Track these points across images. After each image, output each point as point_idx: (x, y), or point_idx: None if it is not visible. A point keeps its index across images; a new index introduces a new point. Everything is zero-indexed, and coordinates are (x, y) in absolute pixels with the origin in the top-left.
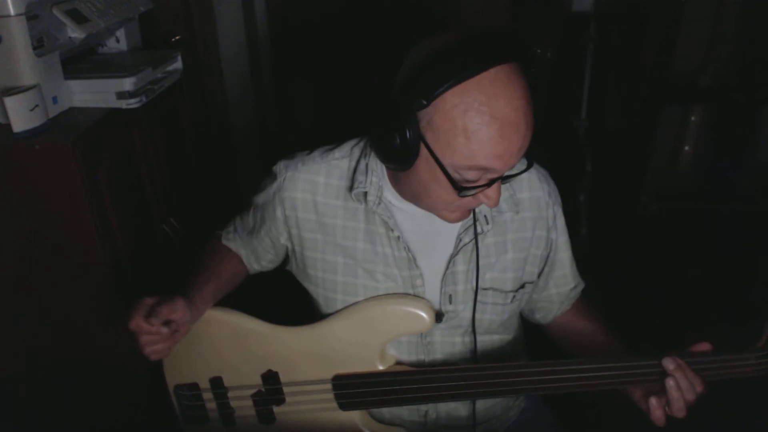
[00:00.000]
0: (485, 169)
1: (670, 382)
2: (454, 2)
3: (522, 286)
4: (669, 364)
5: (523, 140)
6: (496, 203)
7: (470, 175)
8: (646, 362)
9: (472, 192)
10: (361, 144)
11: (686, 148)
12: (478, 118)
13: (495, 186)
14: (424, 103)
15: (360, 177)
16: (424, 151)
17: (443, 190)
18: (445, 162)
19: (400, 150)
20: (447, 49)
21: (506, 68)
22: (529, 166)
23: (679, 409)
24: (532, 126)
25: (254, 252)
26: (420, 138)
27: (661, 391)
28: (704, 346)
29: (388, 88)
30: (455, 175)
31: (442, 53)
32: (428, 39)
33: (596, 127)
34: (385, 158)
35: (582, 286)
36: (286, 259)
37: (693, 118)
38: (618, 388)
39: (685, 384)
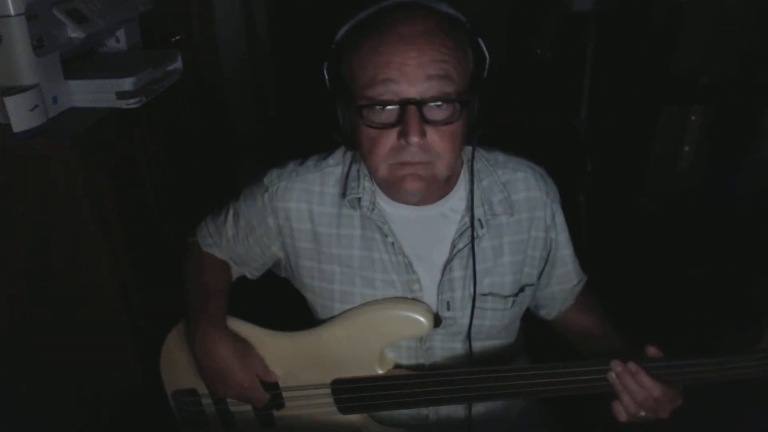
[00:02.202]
0: (385, 82)
1: (617, 384)
2: (454, 1)
3: (521, 290)
4: (615, 366)
5: (423, 54)
6: (415, 136)
7: (376, 93)
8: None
9: (379, 116)
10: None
11: (686, 148)
12: (363, 32)
13: (411, 118)
14: (333, 45)
15: (352, 183)
16: (353, 112)
17: (367, 134)
18: (354, 93)
19: (338, 117)
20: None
21: (400, 4)
22: (462, 110)
23: (627, 404)
24: (443, 50)
25: (240, 259)
26: (340, 87)
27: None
28: (653, 354)
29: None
30: (361, 101)
31: (351, 13)
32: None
33: (596, 127)
34: (340, 136)
35: (585, 281)
36: (276, 268)
37: (693, 118)
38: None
39: (633, 387)
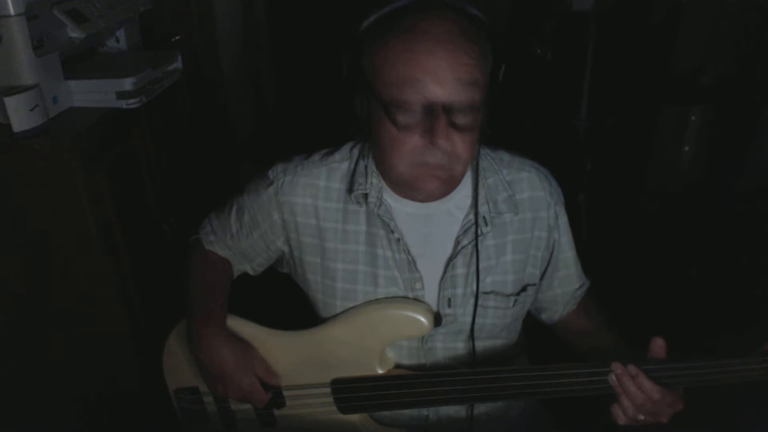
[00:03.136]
0: (414, 83)
1: (616, 387)
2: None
3: (524, 289)
4: (616, 368)
5: (454, 58)
6: (444, 139)
7: (405, 94)
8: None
9: (407, 118)
10: (360, 145)
11: (686, 148)
12: (393, 32)
13: (440, 121)
14: (357, 39)
15: (359, 179)
16: (374, 107)
17: (389, 133)
18: (379, 89)
19: (355, 109)
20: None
21: (437, 4)
22: (488, 125)
23: (626, 407)
24: (472, 54)
25: (244, 254)
26: (364, 84)
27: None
28: (658, 346)
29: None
30: (387, 99)
31: (369, 5)
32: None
33: (596, 127)
34: (356, 127)
35: (587, 285)
36: (277, 264)
37: (693, 118)
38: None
39: (632, 390)
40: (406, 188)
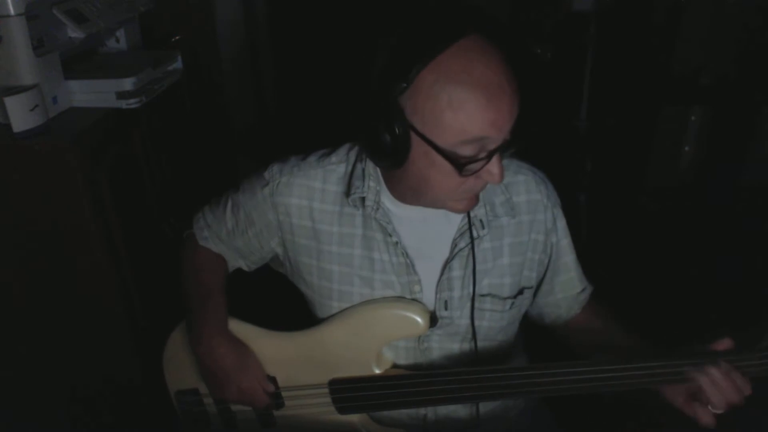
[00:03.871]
0: (481, 140)
1: (706, 383)
2: (454, 1)
3: (521, 292)
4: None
5: (511, 102)
6: (501, 178)
7: (467, 150)
8: (655, 363)
9: (474, 167)
10: (357, 148)
11: (686, 148)
12: (459, 88)
13: (495, 161)
14: (404, 86)
15: (357, 182)
16: (415, 139)
17: (444, 176)
18: (440, 142)
19: (390, 144)
20: (412, 28)
21: (474, 38)
22: (523, 142)
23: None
24: (518, 90)
25: (238, 251)
26: (408, 126)
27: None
28: (726, 344)
29: (367, 82)
30: (451, 152)
31: (408, 34)
32: (391, 22)
33: (596, 127)
34: (378, 157)
35: (590, 289)
36: (274, 263)
37: (693, 118)
38: (628, 389)
39: (726, 383)
40: (434, 208)
